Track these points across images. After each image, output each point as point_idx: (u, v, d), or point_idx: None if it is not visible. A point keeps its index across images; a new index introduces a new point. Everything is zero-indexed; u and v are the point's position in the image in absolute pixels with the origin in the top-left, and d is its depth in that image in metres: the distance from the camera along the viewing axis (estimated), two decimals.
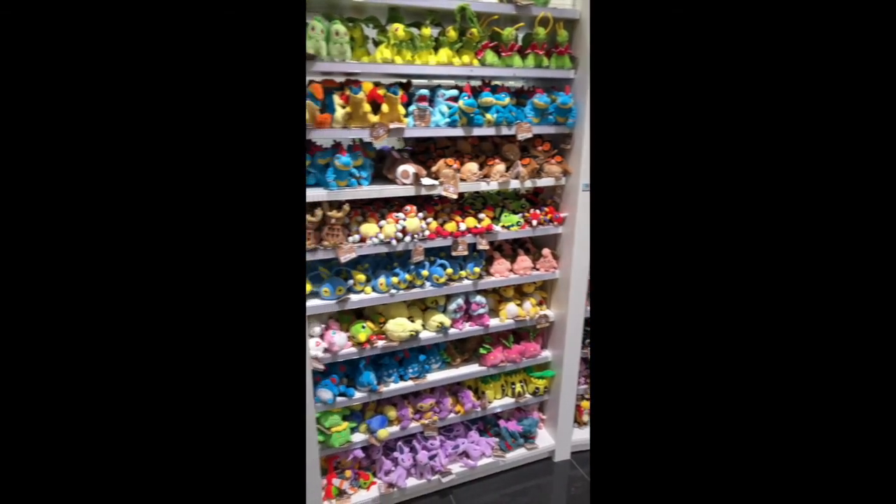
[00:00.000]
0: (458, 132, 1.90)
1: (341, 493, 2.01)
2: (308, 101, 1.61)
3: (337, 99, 1.69)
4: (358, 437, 2.02)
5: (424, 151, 2.16)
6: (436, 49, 1.83)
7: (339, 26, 1.61)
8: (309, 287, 1.84)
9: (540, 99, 1.97)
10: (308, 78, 1.81)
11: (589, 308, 2.22)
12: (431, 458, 2.13)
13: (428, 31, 1.76)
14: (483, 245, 2.03)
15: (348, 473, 2.06)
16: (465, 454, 2.23)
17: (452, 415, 2.18)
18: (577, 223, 2.09)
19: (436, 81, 2.15)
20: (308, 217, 1.73)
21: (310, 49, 1.58)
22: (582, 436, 2.45)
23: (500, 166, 2.01)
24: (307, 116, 1.61)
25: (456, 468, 2.19)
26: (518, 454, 2.33)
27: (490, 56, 1.89)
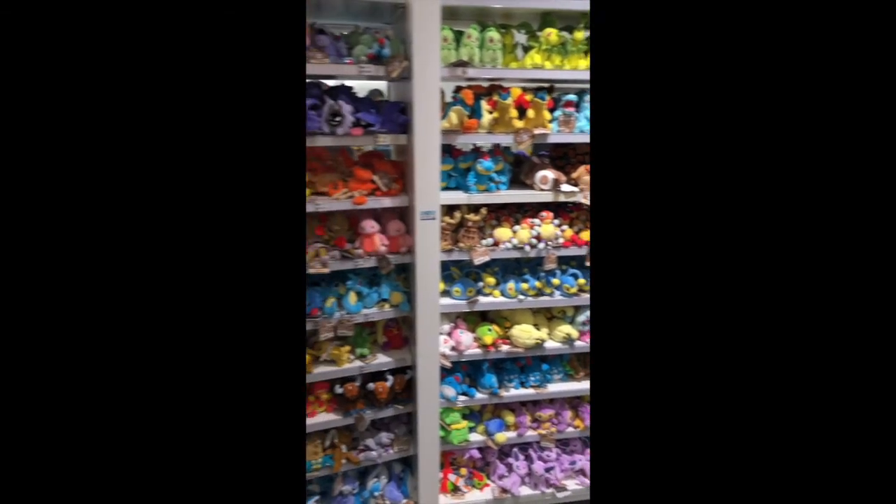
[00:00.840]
0: None
1: (456, 490, 2.06)
2: (458, 107, 1.66)
3: (485, 104, 1.72)
4: (475, 437, 2.04)
5: (562, 157, 2.11)
6: (586, 53, 1.78)
7: (493, 33, 1.64)
8: (442, 286, 1.90)
9: None
10: (456, 83, 1.87)
11: None
12: (547, 470, 2.09)
13: (580, 34, 1.72)
14: None
15: (464, 471, 2.10)
16: (582, 472, 2.15)
17: (571, 429, 2.12)
18: None
19: (580, 86, 2.09)
20: (447, 219, 1.78)
21: (464, 56, 1.63)
22: None
23: None
24: (456, 121, 1.66)
25: (571, 485, 2.12)
26: None
27: None
